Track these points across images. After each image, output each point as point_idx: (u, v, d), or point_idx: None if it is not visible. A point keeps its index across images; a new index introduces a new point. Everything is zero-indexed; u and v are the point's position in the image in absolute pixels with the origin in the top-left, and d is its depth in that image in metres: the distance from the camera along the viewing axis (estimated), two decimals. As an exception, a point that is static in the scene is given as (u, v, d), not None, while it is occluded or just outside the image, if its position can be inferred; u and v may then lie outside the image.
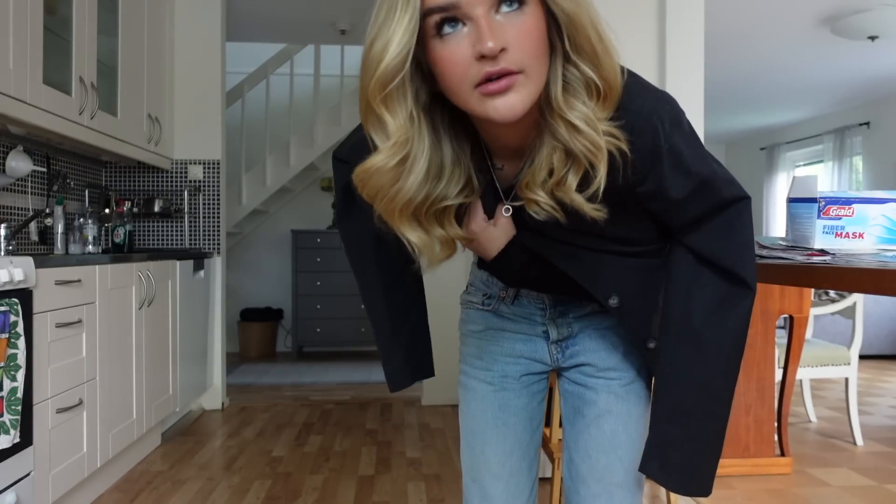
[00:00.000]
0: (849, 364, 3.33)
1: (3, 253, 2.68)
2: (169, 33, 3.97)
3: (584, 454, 1.09)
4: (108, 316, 2.66)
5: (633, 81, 0.87)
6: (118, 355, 2.76)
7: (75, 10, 2.81)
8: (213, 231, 4.14)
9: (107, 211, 3.69)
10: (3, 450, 1.95)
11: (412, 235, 0.90)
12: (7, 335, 1.95)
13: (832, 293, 3.98)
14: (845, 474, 2.94)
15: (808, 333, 3.58)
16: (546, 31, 0.80)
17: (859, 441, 3.35)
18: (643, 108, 0.85)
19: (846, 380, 3.37)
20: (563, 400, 1.15)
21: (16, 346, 1.98)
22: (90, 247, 3.28)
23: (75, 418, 2.40)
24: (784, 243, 1.43)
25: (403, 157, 0.84)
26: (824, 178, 7.37)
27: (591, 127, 0.82)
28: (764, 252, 1.33)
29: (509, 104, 0.79)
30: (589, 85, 0.82)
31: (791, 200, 1.41)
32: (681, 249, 0.96)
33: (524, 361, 1.12)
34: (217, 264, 4.14)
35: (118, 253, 3.41)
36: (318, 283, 5.88)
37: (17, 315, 1.98)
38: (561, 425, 2.11)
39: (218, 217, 4.14)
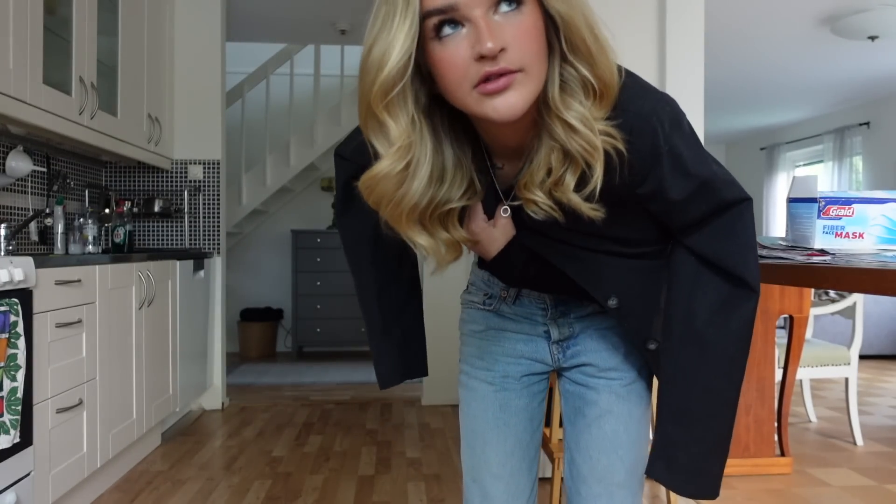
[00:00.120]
0: (849, 364, 3.33)
1: (3, 253, 2.68)
2: (169, 33, 3.97)
3: (585, 454, 1.09)
4: (108, 316, 2.66)
5: (632, 82, 0.87)
6: (118, 355, 2.76)
7: (75, 10, 2.81)
8: (213, 231, 4.14)
9: (107, 211, 3.69)
10: (3, 450, 1.95)
11: (421, 240, 0.90)
12: (7, 335, 1.95)
13: (832, 293, 3.98)
14: (845, 474, 2.94)
15: (808, 333, 3.58)
16: (544, 30, 0.80)
17: (859, 441, 3.35)
18: (643, 109, 0.85)
19: (846, 380, 3.37)
20: (563, 400, 1.15)
21: (16, 346, 1.98)
22: (90, 247, 3.28)
23: (75, 418, 2.40)
24: (784, 243, 1.43)
25: (407, 161, 0.83)
26: (824, 178, 7.37)
27: (587, 127, 0.82)
28: (764, 252, 1.33)
29: (509, 103, 0.79)
30: (585, 84, 0.82)
31: (791, 200, 1.41)
32: (682, 251, 0.96)
33: (525, 362, 1.12)
34: (217, 264, 4.14)
35: (118, 253, 3.41)
36: (318, 283, 5.88)
37: (17, 315, 1.98)
38: (561, 425, 2.11)
39: (218, 217, 4.14)
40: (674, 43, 2.82)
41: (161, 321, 3.25)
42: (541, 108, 0.84)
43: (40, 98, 2.51)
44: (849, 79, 6.04)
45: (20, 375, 2.00)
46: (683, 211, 0.92)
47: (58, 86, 2.66)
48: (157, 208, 3.96)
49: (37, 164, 3.06)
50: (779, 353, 3.04)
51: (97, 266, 2.57)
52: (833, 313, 4.29)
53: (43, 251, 3.18)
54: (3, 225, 2.69)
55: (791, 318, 3.00)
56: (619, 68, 0.85)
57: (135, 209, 3.91)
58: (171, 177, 4.09)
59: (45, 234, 3.21)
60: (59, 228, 3.17)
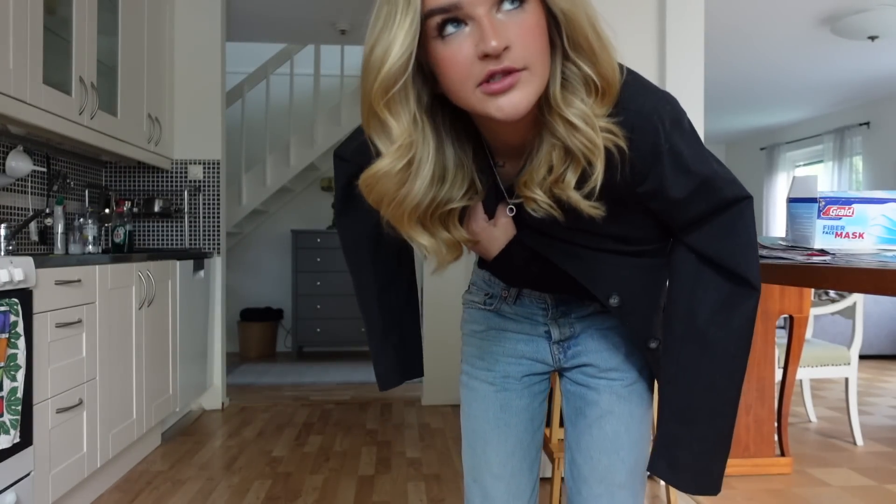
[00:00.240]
0: (849, 364, 3.33)
1: (3, 253, 2.68)
2: (169, 33, 3.97)
3: (585, 455, 1.09)
4: (108, 316, 2.66)
5: (633, 80, 0.87)
6: (118, 355, 2.76)
7: (75, 10, 2.81)
8: (213, 231, 4.14)
9: (107, 211, 3.69)
10: (3, 450, 1.95)
11: (423, 239, 0.90)
12: (7, 335, 1.95)
13: (832, 293, 3.98)
14: (845, 474, 2.94)
15: (808, 333, 3.58)
16: (546, 28, 0.80)
17: (859, 441, 3.35)
18: (644, 108, 0.85)
19: (846, 380, 3.37)
20: (564, 400, 1.15)
21: (16, 346, 1.98)
22: (90, 247, 3.28)
23: (75, 418, 2.40)
24: (784, 243, 1.43)
25: (409, 160, 0.83)
26: (824, 178, 7.37)
27: (588, 125, 0.82)
28: (764, 252, 1.33)
29: (514, 102, 0.79)
30: (587, 82, 0.82)
31: (791, 200, 1.41)
32: (683, 249, 0.96)
33: (526, 362, 1.12)
34: (217, 264, 4.14)
35: (118, 253, 3.41)
36: (318, 283, 5.88)
37: (17, 315, 1.98)
38: (561, 425, 2.11)
39: (218, 217, 4.14)
40: (674, 43, 2.82)
41: (161, 321, 3.25)
42: (542, 106, 0.84)
43: (40, 98, 2.51)
44: (849, 79, 6.04)
45: (20, 375, 2.00)
46: (684, 209, 0.92)
47: (58, 86, 2.66)
48: (157, 208, 3.96)
49: (37, 164, 3.06)
50: (779, 353, 3.04)
51: (97, 266, 2.56)
52: (833, 313, 4.29)
53: (43, 251, 3.18)
54: (3, 225, 2.69)
55: (791, 318, 3.00)
56: (621, 66, 0.85)
57: (135, 209, 3.91)
58: (171, 177, 4.09)
59: (45, 234, 3.21)
60: (59, 228, 3.17)
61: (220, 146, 4.12)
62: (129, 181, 4.06)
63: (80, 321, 2.42)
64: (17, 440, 1.99)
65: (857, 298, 3.35)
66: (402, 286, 1.17)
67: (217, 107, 4.10)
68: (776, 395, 3.00)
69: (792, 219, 1.41)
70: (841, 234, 1.31)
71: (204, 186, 4.11)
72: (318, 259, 5.88)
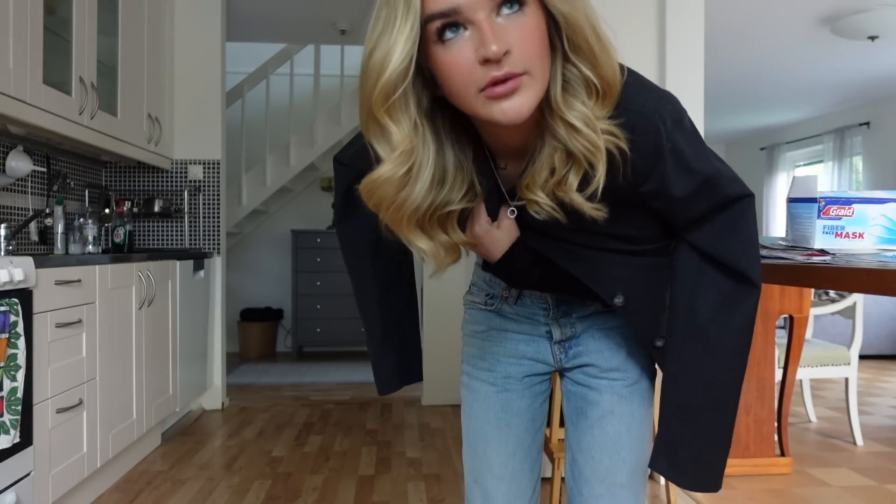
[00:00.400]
0: (849, 364, 3.33)
1: (3, 253, 2.68)
2: (169, 33, 3.97)
3: (587, 455, 1.08)
4: (108, 316, 2.66)
5: (633, 80, 0.87)
6: (118, 355, 2.76)
7: (75, 10, 2.81)
8: (213, 231, 4.14)
9: (107, 211, 3.69)
10: (3, 450, 1.95)
11: (421, 243, 0.90)
12: (7, 335, 1.94)
13: (832, 293, 3.98)
14: (845, 474, 2.94)
15: (808, 333, 3.58)
16: (546, 30, 0.80)
17: (859, 441, 3.35)
18: (645, 108, 0.85)
19: (846, 380, 3.37)
20: (565, 400, 1.15)
21: (16, 346, 1.98)
22: (90, 247, 3.28)
23: (75, 418, 2.40)
24: (784, 243, 1.43)
25: (409, 166, 0.83)
26: (824, 178, 7.37)
27: (589, 127, 0.82)
28: (764, 252, 1.33)
29: (516, 106, 0.79)
30: (588, 84, 0.82)
31: (791, 200, 1.41)
32: (685, 247, 0.96)
33: (527, 362, 1.12)
34: (217, 264, 4.14)
35: (118, 253, 3.41)
36: (318, 283, 5.88)
37: (17, 315, 1.98)
38: (562, 425, 2.11)
39: (218, 217, 4.14)
40: (674, 43, 2.82)
41: (161, 321, 3.25)
42: (543, 109, 0.84)
43: (40, 98, 2.51)
44: (849, 79, 6.04)
45: (20, 375, 2.00)
46: (686, 208, 0.92)
47: (58, 86, 2.66)
48: (157, 208, 3.96)
49: (37, 164, 3.06)
50: (779, 353, 3.04)
51: (97, 266, 2.56)
52: (833, 313, 4.29)
53: (43, 251, 3.18)
54: (3, 225, 2.69)
55: (791, 318, 3.00)
56: (622, 67, 0.84)
57: (135, 209, 3.91)
58: (171, 177, 4.09)
59: (45, 234, 3.21)
60: (59, 228, 3.17)
61: (220, 146, 4.12)
62: (129, 181, 4.06)
63: (80, 321, 2.42)
64: (17, 440, 1.99)
65: (857, 298, 3.35)
66: (401, 290, 1.17)
67: (217, 107, 4.10)
68: (776, 395, 3.00)
69: (792, 219, 1.41)
70: (841, 234, 1.31)
71: (204, 186, 4.11)
72: (318, 259, 5.88)
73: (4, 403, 1.93)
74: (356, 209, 0.88)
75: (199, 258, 3.81)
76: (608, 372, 1.08)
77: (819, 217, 1.31)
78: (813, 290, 3.42)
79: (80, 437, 2.44)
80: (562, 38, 0.81)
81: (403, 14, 0.76)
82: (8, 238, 2.71)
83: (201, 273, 3.88)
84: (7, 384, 1.94)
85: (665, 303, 1.00)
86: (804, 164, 8.23)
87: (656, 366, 1.09)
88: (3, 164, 2.86)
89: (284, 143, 5.85)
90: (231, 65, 5.17)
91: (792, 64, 5.56)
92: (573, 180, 0.85)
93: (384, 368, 1.18)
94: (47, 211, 3.19)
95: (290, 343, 6.14)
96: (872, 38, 4.59)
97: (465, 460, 1.17)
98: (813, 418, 3.78)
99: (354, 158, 1.06)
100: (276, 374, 5.21)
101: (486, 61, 0.76)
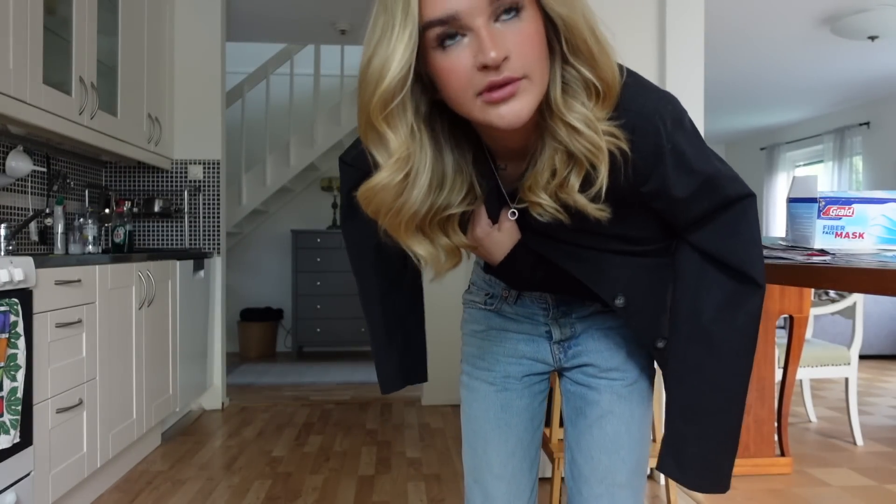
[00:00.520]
0: (849, 364, 3.33)
1: (3, 253, 2.68)
2: (169, 33, 3.97)
3: (586, 455, 1.09)
4: (108, 316, 2.66)
5: (633, 81, 0.87)
6: (118, 355, 2.76)
7: (75, 10, 2.81)
8: (213, 231, 4.14)
9: (107, 211, 3.69)
10: (3, 450, 1.95)
11: (419, 248, 0.90)
12: (7, 335, 1.95)
13: (832, 293, 3.98)
14: (845, 474, 2.94)
15: (808, 333, 3.58)
16: (545, 34, 0.80)
17: (859, 441, 3.35)
18: (645, 108, 0.85)
19: (846, 380, 3.37)
20: (564, 400, 1.15)
21: (16, 346, 1.98)
22: (90, 247, 3.28)
23: (75, 418, 2.40)
24: (784, 243, 1.43)
25: (406, 172, 0.83)
26: (824, 178, 7.37)
27: (590, 128, 0.82)
28: (764, 252, 1.33)
29: (515, 111, 0.79)
30: (587, 85, 0.82)
31: (791, 200, 1.41)
32: (687, 248, 0.96)
33: (526, 362, 1.12)
34: (217, 264, 4.14)
35: (118, 253, 3.41)
36: (318, 283, 5.88)
37: (17, 315, 1.98)
38: (561, 425, 2.11)
39: (218, 217, 4.14)
40: (674, 43, 2.82)
41: (161, 321, 3.25)
42: (543, 111, 0.84)
43: (40, 98, 2.51)
44: (849, 79, 6.04)
45: (20, 375, 2.00)
46: (687, 208, 0.92)
47: (58, 86, 2.66)
48: (157, 208, 3.96)
49: (37, 164, 3.06)
50: (779, 353, 3.04)
51: (97, 266, 2.56)
52: (833, 313, 4.29)
53: (43, 251, 3.18)
54: (3, 225, 2.69)
55: (791, 318, 3.00)
56: (621, 68, 0.84)
57: (135, 209, 3.91)
58: (171, 177, 4.09)
59: (45, 234, 3.21)
60: (59, 228, 3.17)
61: (220, 146, 4.12)
62: (129, 181, 4.06)
63: (80, 321, 2.42)
64: (17, 440, 1.99)
65: (857, 298, 3.35)
66: (406, 290, 1.17)
67: (217, 107, 4.10)
68: (776, 395, 3.00)
69: (792, 219, 1.41)
70: (841, 234, 1.31)
71: (204, 186, 4.11)
72: (318, 259, 5.88)
73: (4, 403, 1.93)
74: (359, 211, 0.88)
75: (199, 258, 3.81)
76: (607, 372, 1.08)
77: (819, 217, 1.31)
78: (813, 290, 3.42)
79: (80, 437, 2.44)
80: (560, 41, 0.81)
81: (402, 21, 0.76)
82: (8, 238, 2.71)
83: (201, 273, 3.88)
84: (7, 384, 1.94)
85: (666, 304, 1.00)
86: (804, 164, 8.23)
87: (656, 366, 1.09)
88: (3, 164, 2.86)
89: (284, 143, 5.85)
90: (231, 65, 5.17)
91: (792, 64, 5.56)
92: (575, 182, 0.85)
93: (386, 367, 1.18)
94: (47, 211, 3.19)
95: (290, 343, 6.14)
96: (872, 38, 4.59)
97: (464, 460, 1.17)
98: (813, 418, 3.78)
99: (357, 159, 1.06)
100: (276, 374, 5.21)
101: (485, 67, 0.76)
